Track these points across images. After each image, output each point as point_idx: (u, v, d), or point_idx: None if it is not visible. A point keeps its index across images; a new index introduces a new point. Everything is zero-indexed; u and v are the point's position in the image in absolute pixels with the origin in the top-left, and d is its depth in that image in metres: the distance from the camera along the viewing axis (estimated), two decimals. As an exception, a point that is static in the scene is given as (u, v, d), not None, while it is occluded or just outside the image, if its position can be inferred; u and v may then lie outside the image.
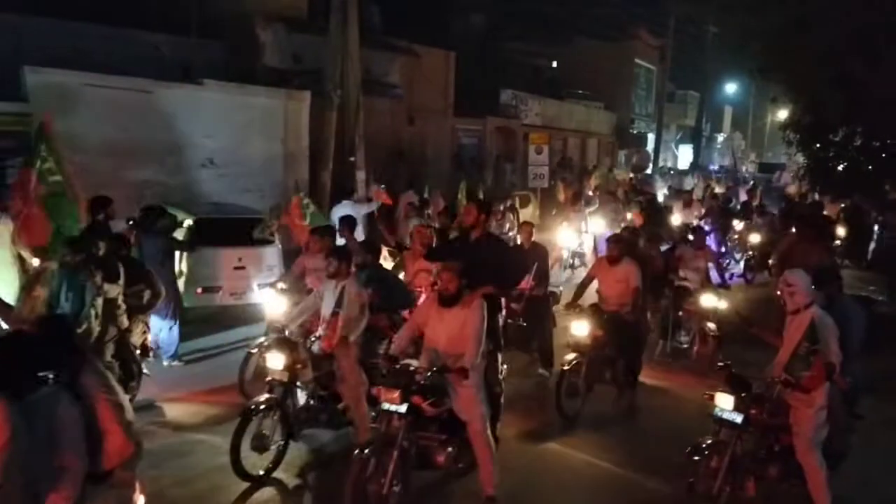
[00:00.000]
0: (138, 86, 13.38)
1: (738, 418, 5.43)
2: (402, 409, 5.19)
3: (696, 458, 5.47)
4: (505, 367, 6.65)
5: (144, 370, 7.59)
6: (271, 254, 11.06)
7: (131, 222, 9.69)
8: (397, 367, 5.43)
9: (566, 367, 7.49)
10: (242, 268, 10.74)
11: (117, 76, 13.02)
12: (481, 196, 15.18)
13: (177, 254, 9.83)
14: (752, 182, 29.11)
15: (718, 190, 24.21)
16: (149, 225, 9.04)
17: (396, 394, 5.17)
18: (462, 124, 24.85)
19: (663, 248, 11.23)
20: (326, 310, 6.64)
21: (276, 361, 6.16)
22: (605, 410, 7.91)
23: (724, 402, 5.50)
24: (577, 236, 15.09)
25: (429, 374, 5.37)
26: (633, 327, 7.90)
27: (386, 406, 5.25)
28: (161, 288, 7.83)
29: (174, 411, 7.55)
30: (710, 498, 5.45)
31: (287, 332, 6.56)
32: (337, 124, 15.85)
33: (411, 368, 5.46)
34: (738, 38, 18.04)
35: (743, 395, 5.47)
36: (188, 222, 10.71)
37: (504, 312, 8.45)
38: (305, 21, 18.96)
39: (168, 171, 13.83)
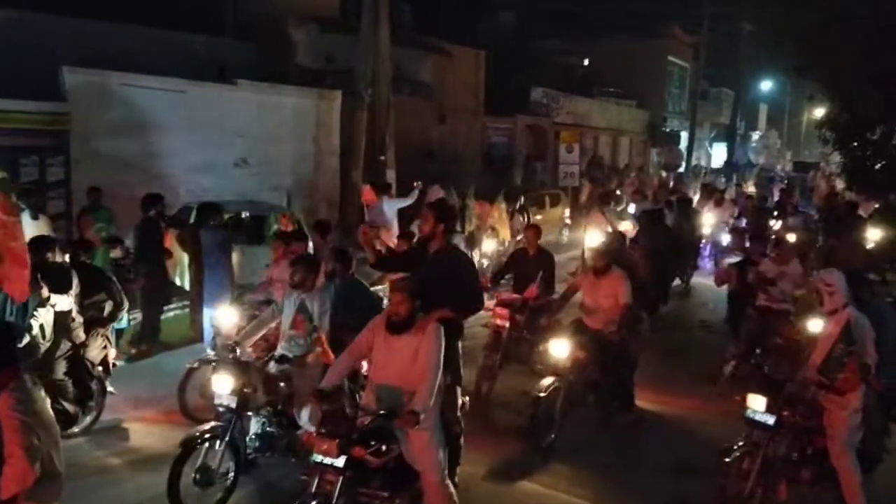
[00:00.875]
0: (173, 86, 13.58)
1: (771, 420, 5.37)
2: (340, 462, 4.32)
3: (728, 459, 5.41)
4: (466, 399, 5.74)
5: (109, 388, 6.88)
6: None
7: (166, 220, 9.88)
8: (331, 408, 4.53)
9: (542, 394, 6.57)
10: (275, 266, 10.86)
11: (153, 76, 13.24)
12: (503, 200, 14.74)
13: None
14: (786, 181, 28.68)
15: (750, 189, 23.89)
16: (207, 220, 9.34)
17: (333, 445, 4.29)
18: (492, 123, 24.83)
19: (733, 259, 10.32)
20: (287, 324, 6.01)
21: (222, 385, 5.43)
22: (581, 439, 7.02)
23: (757, 404, 5.44)
24: (603, 237, 14.91)
25: (372, 419, 4.52)
26: (618, 348, 7.00)
27: (318, 458, 4.36)
28: (123, 299, 7.21)
29: (139, 434, 6.80)
30: (741, 500, 5.40)
31: (238, 351, 5.73)
32: (368, 123, 15.94)
33: (351, 409, 4.63)
34: (773, 35, 17.81)
35: (776, 396, 5.41)
36: (245, 214, 11.11)
37: (507, 324, 7.81)
38: (338, 21, 19.11)
39: (202, 170, 14.02)
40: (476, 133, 24.08)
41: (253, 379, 5.56)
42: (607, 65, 33.84)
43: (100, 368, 6.87)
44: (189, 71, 14.08)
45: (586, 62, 35.71)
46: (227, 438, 5.30)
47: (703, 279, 14.78)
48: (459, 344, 5.63)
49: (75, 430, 6.48)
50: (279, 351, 6.00)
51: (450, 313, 5.08)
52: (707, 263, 15.59)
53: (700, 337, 11.12)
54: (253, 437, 5.67)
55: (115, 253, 8.69)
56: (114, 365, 7.15)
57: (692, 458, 6.50)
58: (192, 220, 10.19)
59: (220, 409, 5.43)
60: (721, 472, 5.46)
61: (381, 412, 4.49)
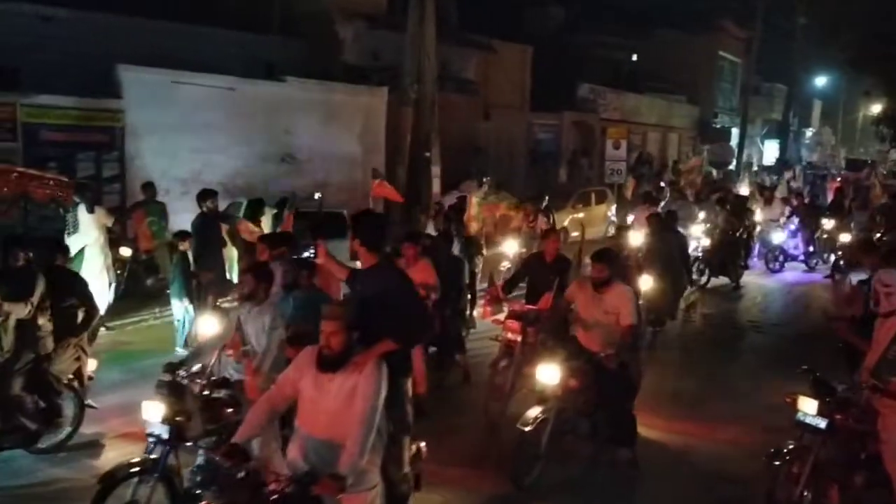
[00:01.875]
0: (223, 83, 13.83)
1: (822, 423, 5.24)
2: None
3: (777, 463, 5.31)
4: (423, 445, 4.95)
5: (88, 401, 6.35)
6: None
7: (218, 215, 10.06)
8: (241, 470, 3.69)
9: (527, 428, 5.69)
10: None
11: (203, 74, 13.50)
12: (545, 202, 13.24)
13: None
14: (839, 178, 28.01)
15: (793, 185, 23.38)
16: (258, 215, 9.87)
17: None
18: (538, 119, 24.71)
19: (857, 276, 8.03)
20: (255, 340, 5.32)
21: (152, 413, 4.72)
22: (569, 475, 6.11)
23: (808, 407, 5.31)
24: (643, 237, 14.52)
25: (286, 484, 3.63)
26: (616, 374, 6.06)
27: None
28: (96, 306, 6.63)
29: (115, 450, 6.08)
30: (790, 505, 5.29)
31: (179, 373, 5.00)
32: (413, 120, 16.01)
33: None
34: (828, 28, 17.39)
35: (827, 399, 5.28)
36: (317, 195, 11.41)
37: (519, 338, 7.04)
38: (384, 17, 19.20)
39: (249, 165, 14.24)
40: (522, 130, 23.99)
41: (189, 405, 4.83)
42: (656, 60, 33.36)
43: (76, 381, 6.36)
44: (238, 68, 14.32)
45: (635, 57, 35.25)
46: (157, 473, 4.63)
47: (754, 278, 14.55)
48: (409, 382, 4.84)
49: (40, 446, 6.04)
50: (227, 372, 5.34)
51: (391, 345, 4.30)
52: (757, 263, 15.33)
53: (751, 338, 10.95)
54: (195, 469, 4.92)
55: (184, 247, 8.76)
56: (90, 377, 6.57)
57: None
58: (241, 215, 10.37)
59: (152, 441, 4.74)
60: (769, 476, 5.37)
61: (296, 477, 3.66)
